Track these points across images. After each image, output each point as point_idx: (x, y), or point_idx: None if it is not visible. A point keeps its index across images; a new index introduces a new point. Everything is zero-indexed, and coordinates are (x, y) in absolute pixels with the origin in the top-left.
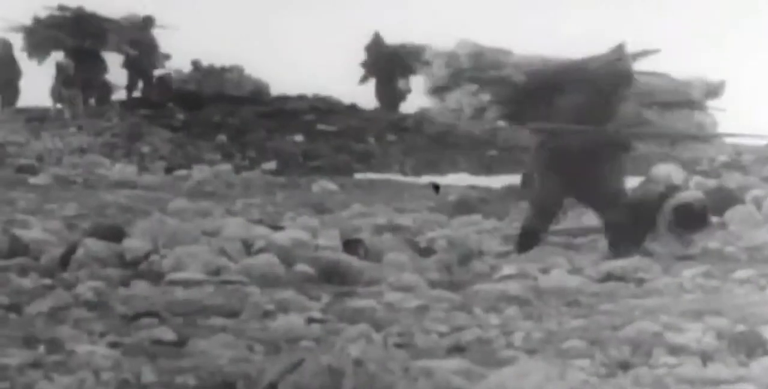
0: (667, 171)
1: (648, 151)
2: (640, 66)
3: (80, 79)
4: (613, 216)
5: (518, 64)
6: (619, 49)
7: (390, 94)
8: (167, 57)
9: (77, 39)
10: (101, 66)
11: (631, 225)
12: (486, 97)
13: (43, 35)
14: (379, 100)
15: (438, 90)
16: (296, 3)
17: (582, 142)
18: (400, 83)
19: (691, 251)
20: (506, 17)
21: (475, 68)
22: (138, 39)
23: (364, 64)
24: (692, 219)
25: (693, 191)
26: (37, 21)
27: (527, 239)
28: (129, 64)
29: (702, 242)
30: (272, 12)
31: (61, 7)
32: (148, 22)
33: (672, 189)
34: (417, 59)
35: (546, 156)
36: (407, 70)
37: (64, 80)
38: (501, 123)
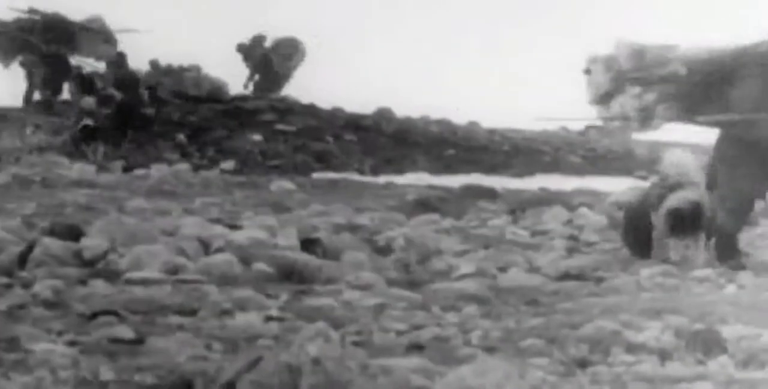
0: (678, 160)
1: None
2: None
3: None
4: None
5: (683, 58)
6: None
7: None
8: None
9: (49, 44)
10: (69, 73)
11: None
12: (651, 97)
13: (10, 38)
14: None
15: (602, 98)
16: (252, 1)
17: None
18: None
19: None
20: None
21: (637, 68)
22: (120, 77)
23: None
24: (684, 225)
25: (688, 192)
26: (2, 24)
27: (726, 245)
28: (119, 108)
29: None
30: (228, 11)
31: (32, 11)
32: (122, 58)
33: (674, 187)
34: (290, 57)
35: (733, 150)
36: (286, 67)
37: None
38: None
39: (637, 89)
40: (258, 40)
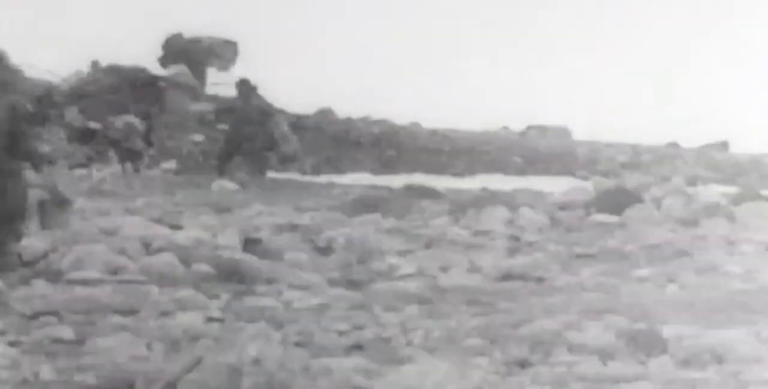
0: None
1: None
2: None
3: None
4: None
5: None
6: None
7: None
8: None
9: (137, 103)
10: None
11: None
12: None
13: (98, 100)
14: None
15: None
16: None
17: None
18: None
19: None
20: None
21: None
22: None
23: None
24: None
25: None
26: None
27: None
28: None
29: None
30: (164, 9)
31: (112, 68)
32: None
33: None
34: (210, 53)
35: None
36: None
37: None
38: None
39: None
40: (194, 41)
